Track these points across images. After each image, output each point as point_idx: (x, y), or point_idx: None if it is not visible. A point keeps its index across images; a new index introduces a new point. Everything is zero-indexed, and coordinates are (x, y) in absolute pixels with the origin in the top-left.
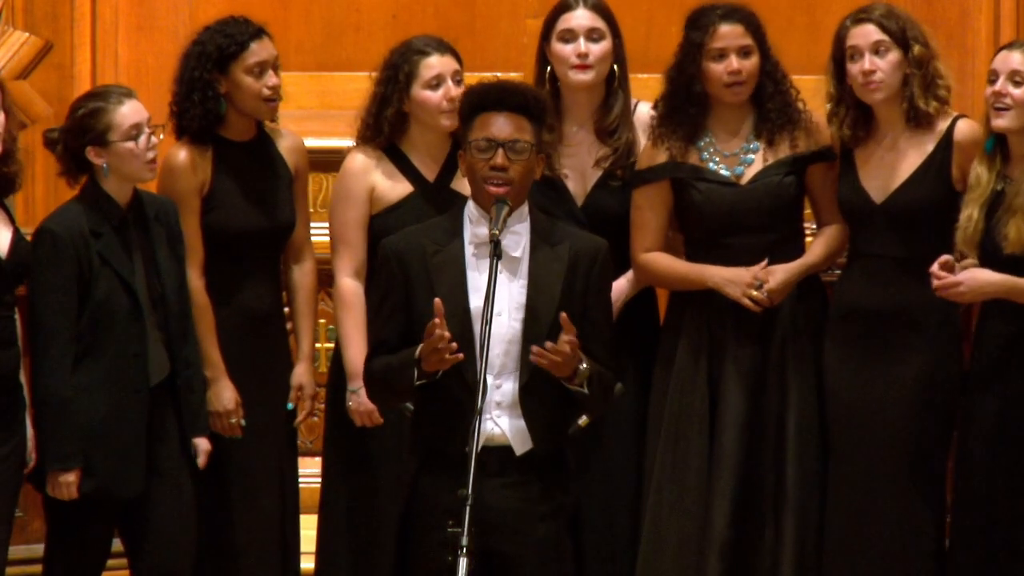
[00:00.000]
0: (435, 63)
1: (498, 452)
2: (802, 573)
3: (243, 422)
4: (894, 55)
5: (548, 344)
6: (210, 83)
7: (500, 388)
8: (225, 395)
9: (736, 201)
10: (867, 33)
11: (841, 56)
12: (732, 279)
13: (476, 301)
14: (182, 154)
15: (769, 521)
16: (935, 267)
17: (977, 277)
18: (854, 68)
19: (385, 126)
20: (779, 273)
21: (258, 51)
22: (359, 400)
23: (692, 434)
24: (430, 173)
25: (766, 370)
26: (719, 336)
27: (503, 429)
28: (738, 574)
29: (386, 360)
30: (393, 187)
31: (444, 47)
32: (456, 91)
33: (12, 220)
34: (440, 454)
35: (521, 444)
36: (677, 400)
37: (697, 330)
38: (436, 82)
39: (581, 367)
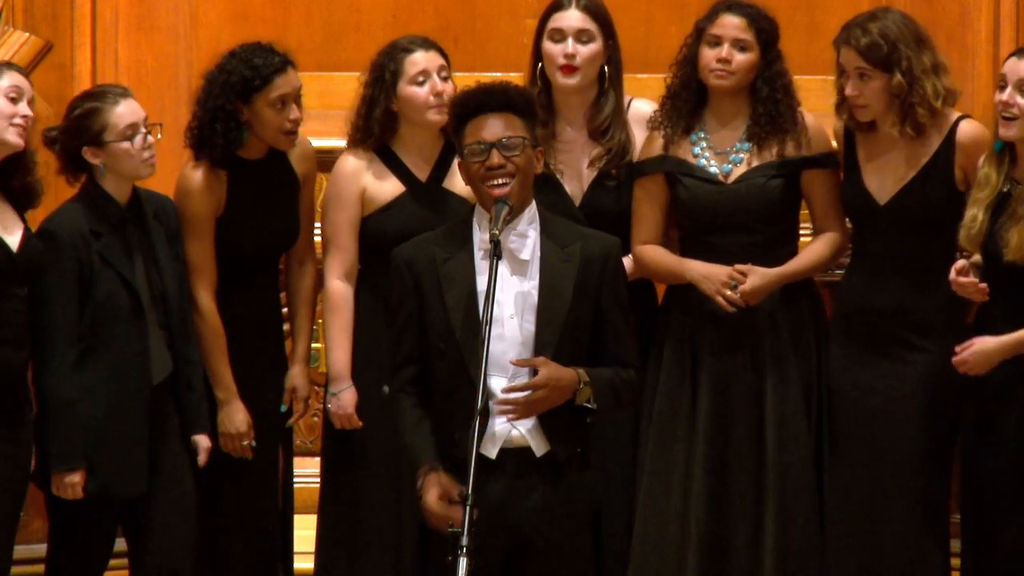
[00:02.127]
0: (420, 59)
1: (518, 454)
2: (784, 570)
3: (254, 443)
4: (877, 81)
5: (516, 386)
6: (233, 114)
7: None
8: (237, 417)
9: (720, 200)
10: (850, 59)
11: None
12: (708, 275)
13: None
14: (198, 176)
15: (748, 519)
16: (953, 274)
17: (980, 350)
18: (845, 87)
19: (375, 127)
20: (755, 276)
21: (281, 85)
22: (339, 403)
23: (677, 435)
24: (422, 172)
25: (741, 371)
26: (700, 337)
27: (521, 431)
28: (719, 572)
29: (404, 423)
30: (384, 188)
31: (429, 44)
32: (442, 86)
33: (23, 218)
34: (456, 458)
35: (540, 445)
36: (664, 401)
37: (682, 332)
38: (422, 78)
39: (580, 387)
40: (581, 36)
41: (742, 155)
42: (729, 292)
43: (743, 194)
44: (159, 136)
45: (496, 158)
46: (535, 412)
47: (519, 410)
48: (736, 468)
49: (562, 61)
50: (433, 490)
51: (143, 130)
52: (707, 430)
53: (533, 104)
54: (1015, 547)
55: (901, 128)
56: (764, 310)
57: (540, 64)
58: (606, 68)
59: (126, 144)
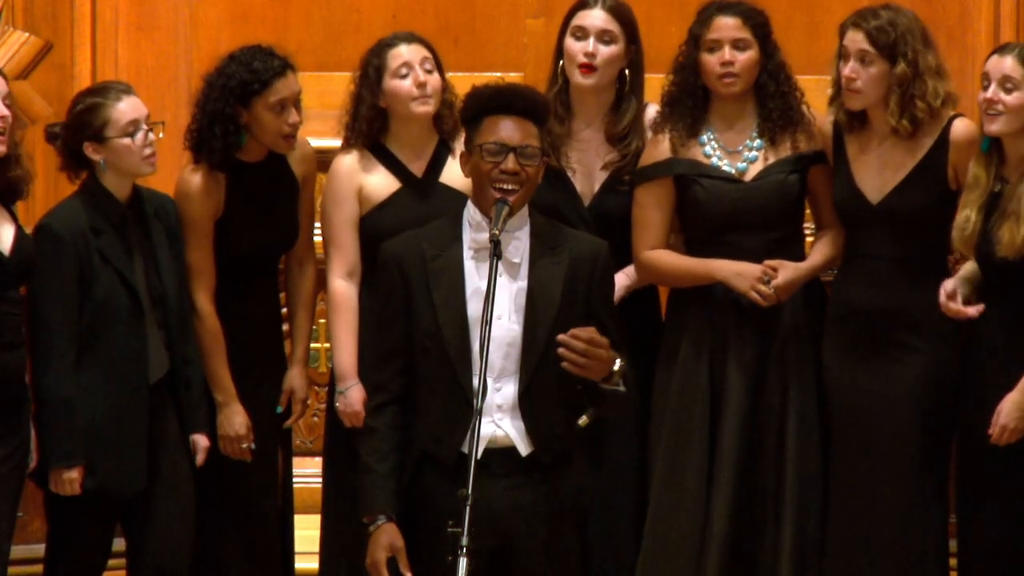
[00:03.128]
0: (402, 51)
1: (502, 454)
2: (801, 571)
3: (253, 446)
4: (877, 68)
5: (573, 335)
6: (232, 117)
7: (500, 391)
8: (236, 420)
9: (740, 198)
10: (856, 40)
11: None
12: (740, 272)
13: (474, 306)
14: (197, 179)
15: (769, 520)
16: (943, 298)
17: (1010, 410)
18: (842, 69)
19: (364, 125)
20: (787, 271)
21: (280, 89)
22: (347, 401)
23: (693, 433)
24: (417, 168)
25: (767, 369)
26: (721, 335)
27: (506, 431)
28: (738, 572)
29: (377, 447)
30: (380, 185)
31: (412, 37)
32: (425, 77)
33: (14, 217)
34: (436, 457)
35: (525, 445)
36: (679, 399)
37: (700, 329)
38: (404, 70)
39: (616, 366)
40: (603, 36)
41: (755, 153)
42: (763, 287)
43: (764, 191)
44: (161, 135)
45: (512, 163)
46: (588, 365)
47: (575, 357)
48: (761, 465)
49: (582, 59)
50: (383, 543)
51: (144, 127)
52: (737, 428)
53: (548, 114)
54: (1002, 548)
55: (898, 120)
56: (787, 307)
57: (561, 62)
58: (627, 73)
59: (127, 140)
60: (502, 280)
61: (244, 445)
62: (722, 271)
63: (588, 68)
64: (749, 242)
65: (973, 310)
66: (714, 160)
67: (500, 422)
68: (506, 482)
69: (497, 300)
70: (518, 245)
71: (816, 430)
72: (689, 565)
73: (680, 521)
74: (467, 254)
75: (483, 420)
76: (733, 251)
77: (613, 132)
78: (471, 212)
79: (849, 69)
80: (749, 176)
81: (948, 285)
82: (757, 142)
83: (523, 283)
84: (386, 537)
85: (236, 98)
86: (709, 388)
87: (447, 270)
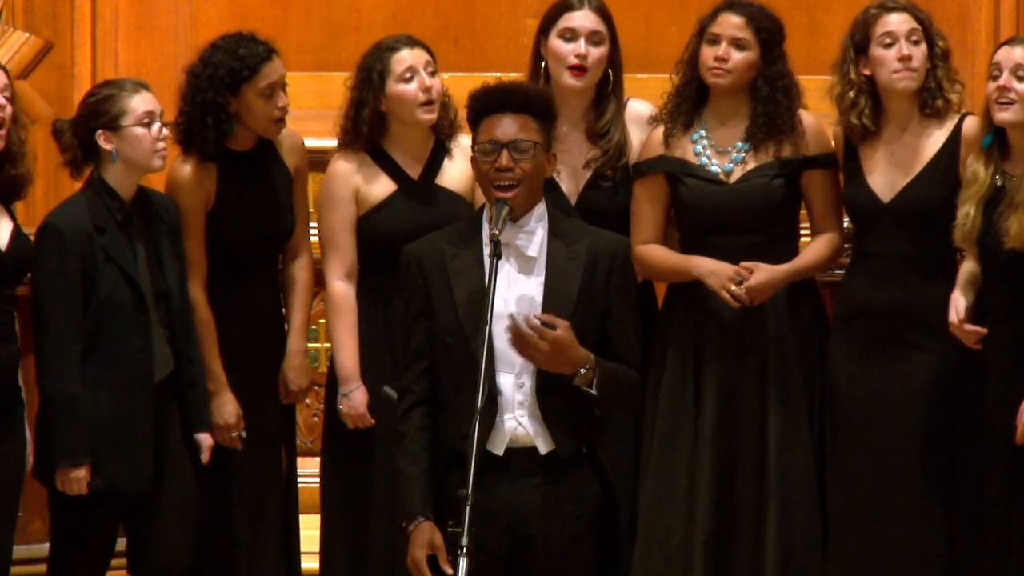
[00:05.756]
0: (406, 56)
1: (523, 452)
2: (787, 570)
3: (244, 434)
4: (923, 46)
5: (530, 319)
6: (223, 106)
7: (522, 388)
8: (227, 408)
9: (722, 200)
10: (903, 20)
11: (865, 43)
12: (715, 271)
13: (496, 303)
14: (187, 169)
15: (751, 522)
16: (954, 318)
17: None
18: (888, 54)
19: (364, 128)
20: (761, 273)
21: (269, 74)
22: (351, 404)
23: (681, 435)
24: (414, 170)
25: (744, 377)
26: (704, 340)
27: (527, 429)
28: (724, 571)
29: (404, 454)
30: (377, 187)
31: (413, 41)
32: (430, 81)
33: (12, 215)
34: (464, 455)
35: (545, 444)
36: (667, 401)
37: (685, 332)
38: (409, 75)
39: (582, 370)
40: (593, 37)
41: (743, 154)
42: (734, 288)
43: (746, 194)
44: (168, 135)
45: (505, 159)
46: (528, 355)
47: (518, 342)
48: (739, 471)
49: (573, 61)
50: (422, 541)
51: (159, 121)
52: (711, 433)
53: (552, 107)
54: (1013, 548)
55: (950, 94)
56: (768, 316)
57: (544, 64)
58: (610, 71)
59: (142, 130)
60: (519, 276)
61: (234, 434)
62: (699, 268)
63: (580, 70)
64: (731, 244)
65: (975, 334)
66: (702, 159)
67: (521, 419)
68: (526, 481)
69: (514, 296)
70: (534, 240)
71: (805, 435)
72: (679, 564)
73: (670, 520)
74: (485, 252)
75: (505, 417)
76: (717, 252)
77: (594, 129)
78: (488, 212)
79: (905, 48)
80: (734, 178)
81: (961, 306)
82: (746, 144)
83: (540, 279)
84: (425, 535)
85: (226, 87)
86: (695, 392)
87: (467, 268)
